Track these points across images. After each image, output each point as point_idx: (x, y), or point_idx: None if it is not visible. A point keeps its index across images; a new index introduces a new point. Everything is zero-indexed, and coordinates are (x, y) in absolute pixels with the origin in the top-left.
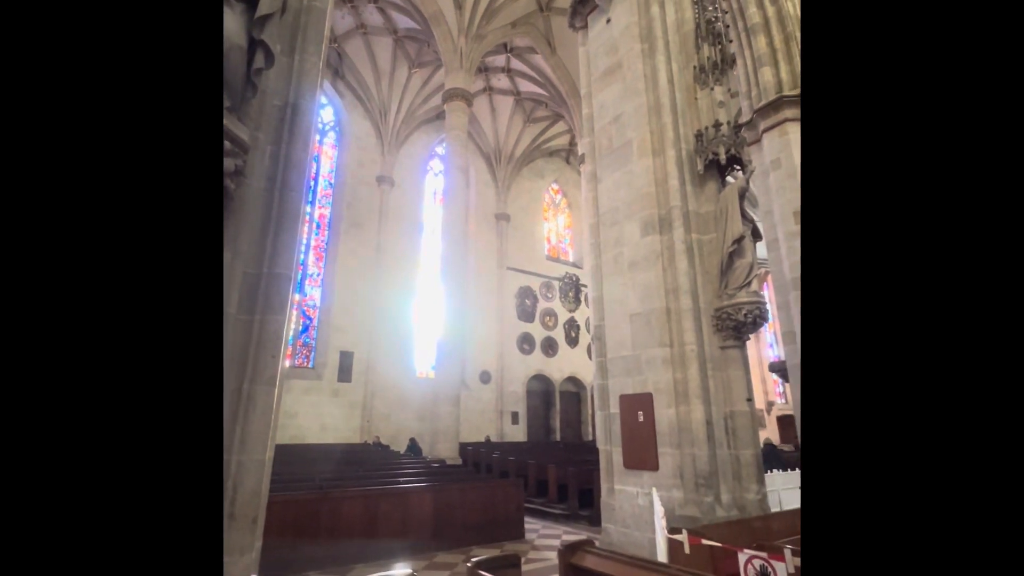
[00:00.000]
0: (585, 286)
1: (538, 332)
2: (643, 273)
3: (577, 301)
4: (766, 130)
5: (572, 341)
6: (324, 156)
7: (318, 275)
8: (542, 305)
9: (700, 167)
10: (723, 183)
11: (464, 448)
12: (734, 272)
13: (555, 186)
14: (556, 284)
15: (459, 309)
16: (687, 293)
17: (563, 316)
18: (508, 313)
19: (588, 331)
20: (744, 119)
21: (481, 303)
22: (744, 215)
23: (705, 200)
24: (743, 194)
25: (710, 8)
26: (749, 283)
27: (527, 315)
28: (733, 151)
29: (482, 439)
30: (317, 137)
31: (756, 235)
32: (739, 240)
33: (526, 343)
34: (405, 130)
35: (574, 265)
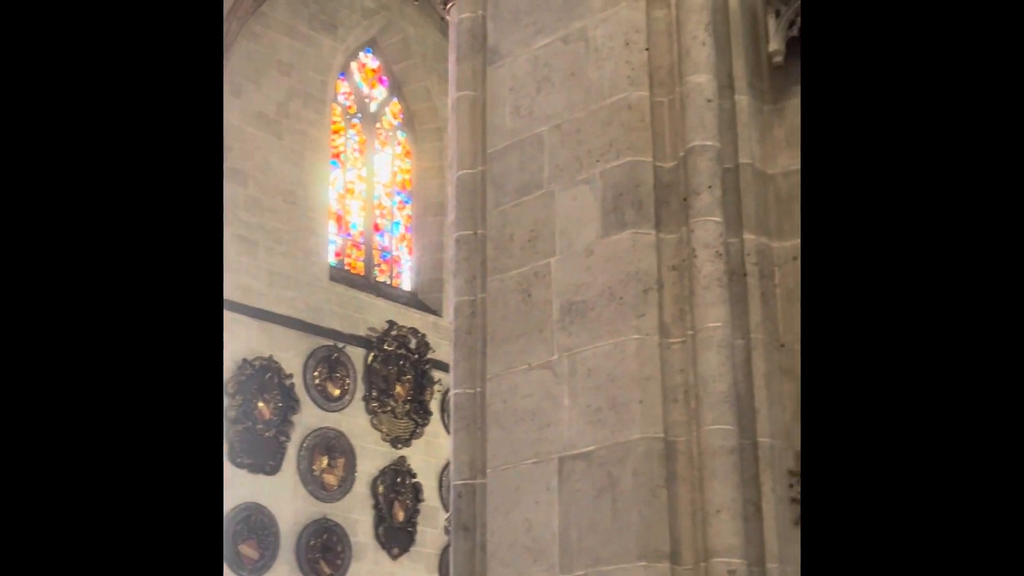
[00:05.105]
0: (444, 368)
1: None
2: (607, 336)
3: (418, 414)
4: None
5: (397, 541)
6: None
7: None
8: (309, 419)
9: (776, 45)
10: None
11: None
12: None
13: (372, 61)
14: (357, 356)
15: None
16: (731, 400)
17: (372, 457)
18: None
19: (445, 514)
20: None
21: None
22: None
23: (784, 140)
24: None
25: None
26: None
27: (262, 450)
28: None
29: None
30: None
31: None
32: None
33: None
34: None
35: (416, 302)
